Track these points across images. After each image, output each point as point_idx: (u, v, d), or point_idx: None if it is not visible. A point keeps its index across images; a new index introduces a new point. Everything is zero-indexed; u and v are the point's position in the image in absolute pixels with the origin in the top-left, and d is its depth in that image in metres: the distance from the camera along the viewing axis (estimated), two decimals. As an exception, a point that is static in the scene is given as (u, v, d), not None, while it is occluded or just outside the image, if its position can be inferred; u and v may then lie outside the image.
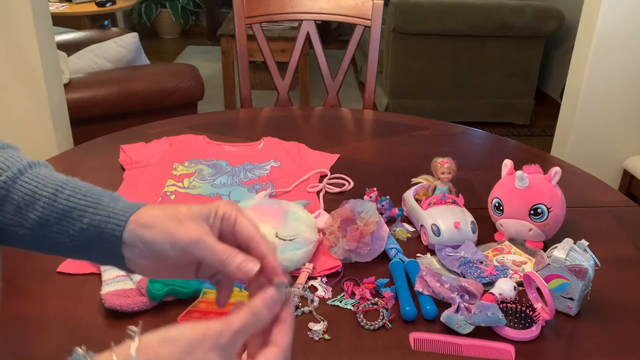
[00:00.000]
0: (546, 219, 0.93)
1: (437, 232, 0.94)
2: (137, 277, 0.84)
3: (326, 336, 0.77)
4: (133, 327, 0.40)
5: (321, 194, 1.13)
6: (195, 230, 0.48)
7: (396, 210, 1.04)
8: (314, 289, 0.87)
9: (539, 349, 0.77)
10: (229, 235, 0.51)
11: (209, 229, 0.50)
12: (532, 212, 0.93)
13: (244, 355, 0.47)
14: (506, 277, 0.87)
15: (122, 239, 0.51)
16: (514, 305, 0.80)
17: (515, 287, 0.83)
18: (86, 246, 0.52)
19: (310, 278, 0.89)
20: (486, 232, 1.00)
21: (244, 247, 0.50)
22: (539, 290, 0.81)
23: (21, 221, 0.53)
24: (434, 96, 3.55)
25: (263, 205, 0.98)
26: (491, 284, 0.85)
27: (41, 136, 2.06)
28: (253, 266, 0.47)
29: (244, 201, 1.02)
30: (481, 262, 0.90)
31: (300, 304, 0.83)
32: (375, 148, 1.38)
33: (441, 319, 0.78)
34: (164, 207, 0.51)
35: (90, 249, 0.53)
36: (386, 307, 0.82)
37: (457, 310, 0.78)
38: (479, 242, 0.96)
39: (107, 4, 4.12)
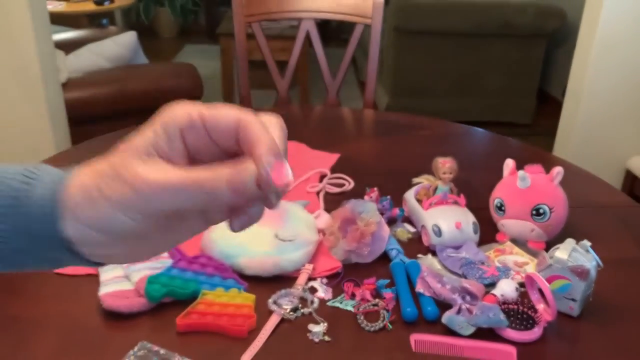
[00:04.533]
0: (548, 219, 0.92)
1: (439, 232, 0.93)
2: (136, 278, 0.83)
3: (326, 338, 0.77)
4: None
5: (321, 194, 1.12)
6: (152, 169, 0.36)
7: (397, 211, 1.03)
8: (314, 290, 0.86)
9: (541, 350, 0.76)
10: (202, 144, 0.37)
11: (161, 161, 0.37)
12: (534, 212, 0.92)
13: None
14: (508, 278, 0.86)
15: (67, 239, 0.36)
16: (515, 307, 0.79)
17: (517, 288, 0.82)
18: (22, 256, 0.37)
19: (310, 279, 0.88)
20: (488, 232, 0.99)
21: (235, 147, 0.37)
22: (541, 291, 0.80)
23: None
24: (435, 95, 3.54)
25: (262, 205, 0.98)
26: (493, 285, 0.85)
27: (39, 135, 2.05)
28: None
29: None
30: (483, 263, 0.90)
31: (300, 306, 0.82)
32: (375, 148, 1.38)
33: (442, 320, 0.78)
34: (95, 167, 0.38)
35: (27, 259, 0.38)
36: (387, 308, 0.81)
37: (459, 311, 0.77)
38: (480, 243, 0.96)
39: (105, 3, 4.09)
